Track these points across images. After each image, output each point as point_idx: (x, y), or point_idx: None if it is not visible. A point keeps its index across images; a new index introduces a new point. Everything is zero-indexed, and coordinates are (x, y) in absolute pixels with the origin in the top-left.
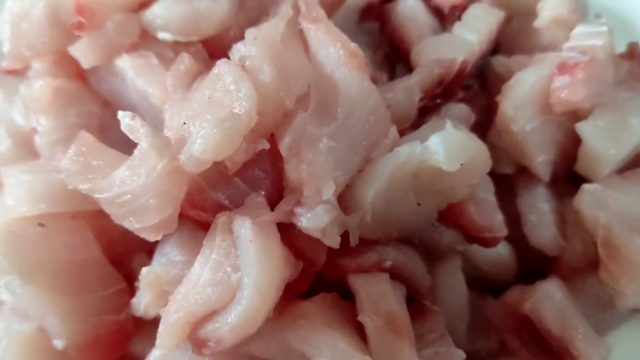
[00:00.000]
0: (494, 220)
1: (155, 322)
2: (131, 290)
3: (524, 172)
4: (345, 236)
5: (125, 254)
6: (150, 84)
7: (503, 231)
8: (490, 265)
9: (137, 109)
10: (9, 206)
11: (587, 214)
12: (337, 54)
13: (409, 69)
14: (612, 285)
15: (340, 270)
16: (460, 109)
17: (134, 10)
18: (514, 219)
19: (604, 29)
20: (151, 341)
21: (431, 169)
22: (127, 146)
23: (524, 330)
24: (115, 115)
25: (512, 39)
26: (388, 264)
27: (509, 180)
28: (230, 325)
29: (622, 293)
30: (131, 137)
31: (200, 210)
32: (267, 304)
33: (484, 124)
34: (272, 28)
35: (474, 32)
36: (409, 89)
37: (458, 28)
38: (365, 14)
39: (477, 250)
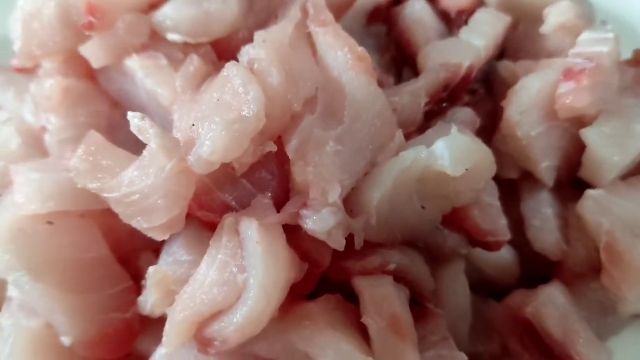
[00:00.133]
0: (498, 224)
1: (161, 321)
2: (138, 289)
3: (529, 177)
4: (350, 239)
5: (132, 253)
6: (160, 84)
7: (507, 235)
8: (493, 269)
9: (146, 110)
10: (18, 204)
11: (591, 219)
12: (344, 57)
13: (416, 72)
14: (614, 291)
15: (345, 272)
16: (466, 114)
17: (144, 11)
18: (517, 224)
19: (611, 35)
20: (157, 340)
21: (436, 174)
22: (135, 146)
23: (526, 334)
24: (124, 115)
25: (519, 44)
26: (392, 266)
27: (513, 185)
28: (236, 325)
29: (624, 299)
30: (141, 137)
31: (208, 211)
32: (273, 305)
33: (490, 129)
34: (281, 31)
35: (480, 37)
36: (415, 93)
37: (465, 33)
38: (373, 17)
39: (480, 254)
